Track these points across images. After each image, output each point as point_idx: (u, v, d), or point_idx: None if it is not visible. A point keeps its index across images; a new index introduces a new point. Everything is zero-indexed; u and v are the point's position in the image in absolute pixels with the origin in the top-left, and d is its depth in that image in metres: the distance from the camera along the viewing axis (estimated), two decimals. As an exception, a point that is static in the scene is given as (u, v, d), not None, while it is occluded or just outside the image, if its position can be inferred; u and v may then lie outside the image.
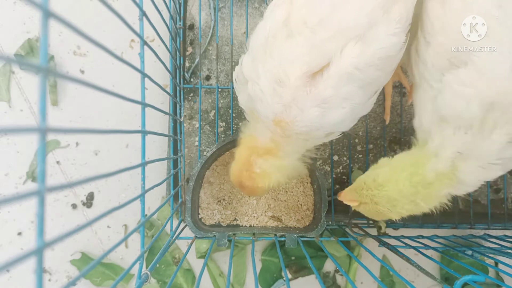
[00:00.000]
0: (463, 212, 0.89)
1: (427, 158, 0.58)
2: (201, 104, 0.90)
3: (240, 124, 0.91)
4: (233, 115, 0.88)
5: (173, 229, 0.75)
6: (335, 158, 0.92)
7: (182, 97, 0.87)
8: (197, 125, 0.89)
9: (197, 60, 0.90)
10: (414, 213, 0.61)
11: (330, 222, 0.85)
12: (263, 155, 0.61)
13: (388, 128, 0.92)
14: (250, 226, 0.82)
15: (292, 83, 0.53)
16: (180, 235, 0.75)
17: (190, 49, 0.91)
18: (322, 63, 0.53)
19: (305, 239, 0.79)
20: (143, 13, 0.51)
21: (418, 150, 0.61)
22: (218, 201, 0.83)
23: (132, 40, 0.93)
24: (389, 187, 0.59)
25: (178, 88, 0.84)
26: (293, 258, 0.92)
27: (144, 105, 0.52)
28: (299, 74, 0.53)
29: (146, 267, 0.66)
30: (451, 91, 0.54)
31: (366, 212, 0.65)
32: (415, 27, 0.60)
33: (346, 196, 0.66)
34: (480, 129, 0.53)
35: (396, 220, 0.64)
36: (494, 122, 0.53)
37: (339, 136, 0.63)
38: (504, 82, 0.50)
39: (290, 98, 0.54)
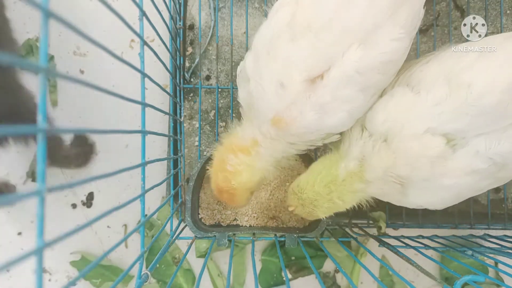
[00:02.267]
0: (463, 212, 0.89)
1: (338, 159, 0.64)
2: (201, 104, 0.90)
3: (240, 124, 0.91)
4: (233, 115, 0.88)
5: (173, 229, 0.75)
6: (335, 158, 0.92)
7: (182, 97, 0.87)
8: (197, 125, 0.89)
9: (197, 60, 0.90)
10: (336, 210, 0.66)
11: (330, 222, 0.85)
12: (235, 152, 0.61)
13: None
14: (250, 226, 0.82)
15: (294, 87, 0.54)
16: (180, 235, 0.75)
17: (190, 49, 0.91)
18: (324, 67, 0.53)
19: (305, 239, 0.79)
20: (143, 13, 0.51)
21: (332, 154, 0.67)
22: (218, 201, 0.83)
23: (132, 40, 0.93)
24: (308, 190, 0.65)
25: (178, 88, 0.84)
26: (293, 258, 0.92)
27: (144, 105, 0.52)
28: (301, 79, 0.53)
29: (146, 267, 0.66)
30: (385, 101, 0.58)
31: (301, 214, 0.69)
32: None
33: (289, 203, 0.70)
34: (377, 141, 0.58)
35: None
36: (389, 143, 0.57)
37: (338, 139, 0.63)
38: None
39: (291, 100, 0.55)
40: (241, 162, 0.61)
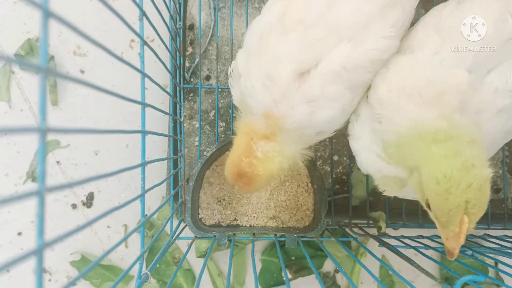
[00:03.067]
0: (463, 212, 0.89)
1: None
2: (201, 104, 0.90)
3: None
4: (233, 115, 0.88)
5: (173, 229, 0.75)
6: (335, 158, 0.92)
7: (182, 97, 0.87)
8: (197, 125, 0.89)
9: (197, 60, 0.90)
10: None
11: (330, 222, 0.85)
12: (263, 138, 0.60)
13: (388, 128, 0.92)
14: (250, 226, 0.82)
15: (283, 79, 0.53)
16: (180, 235, 0.75)
17: (190, 49, 0.91)
18: (314, 62, 0.53)
19: (305, 239, 0.79)
20: (143, 13, 0.51)
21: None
22: (218, 201, 0.83)
23: (132, 40, 0.93)
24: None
25: (178, 88, 0.84)
26: (293, 258, 0.92)
27: (144, 105, 0.52)
28: (289, 71, 0.53)
29: (146, 267, 0.66)
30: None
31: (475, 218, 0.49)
32: None
33: (457, 242, 0.50)
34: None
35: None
36: None
37: (334, 134, 0.63)
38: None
39: (280, 94, 0.54)
40: (272, 149, 0.59)
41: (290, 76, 0.53)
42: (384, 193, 0.61)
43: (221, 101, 0.91)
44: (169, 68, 0.73)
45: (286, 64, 0.53)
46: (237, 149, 0.63)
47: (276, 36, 0.54)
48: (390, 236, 0.84)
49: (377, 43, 0.53)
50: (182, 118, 0.86)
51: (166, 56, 0.76)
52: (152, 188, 0.56)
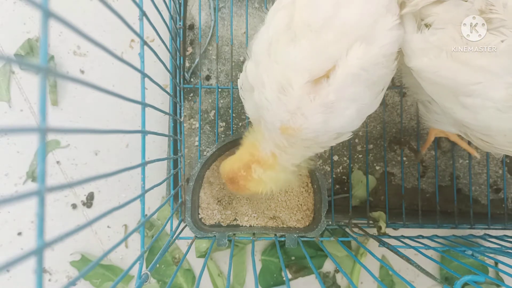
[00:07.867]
0: (463, 212, 0.89)
1: None
2: (201, 104, 0.90)
3: (240, 124, 0.92)
4: (233, 115, 0.88)
5: (173, 229, 0.75)
6: (335, 158, 0.92)
7: (182, 97, 0.87)
8: (197, 125, 0.89)
9: (197, 60, 0.90)
10: None
11: (330, 222, 0.85)
12: (263, 166, 0.63)
13: (388, 128, 0.92)
14: (250, 226, 0.82)
15: (296, 92, 0.53)
16: (180, 235, 0.75)
17: (190, 49, 0.91)
18: (327, 67, 0.53)
19: (305, 239, 0.79)
20: (143, 13, 0.51)
21: None
22: (218, 201, 0.83)
23: (132, 40, 0.93)
24: None
25: (178, 88, 0.84)
26: (293, 258, 0.92)
27: (144, 105, 0.52)
28: (302, 82, 0.53)
29: (146, 267, 0.66)
30: None
31: None
32: None
33: None
34: None
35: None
36: None
37: (350, 137, 0.63)
38: None
39: (294, 106, 0.54)
40: (268, 177, 0.64)
41: (303, 88, 0.53)
42: None
43: (221, 101, 0.91)
44: (169, 68, 0.73)
45: (298, 74, 0.53)
46: (238, 160, 0.66)
47: (285, 43, 0.54)
48: (390, 236, 0.84)
49: (387, 37, 0.53)
50: (182, 118, 0.86)
51: (166, 56, 0.76)
52: (152, 188, 0.56)
